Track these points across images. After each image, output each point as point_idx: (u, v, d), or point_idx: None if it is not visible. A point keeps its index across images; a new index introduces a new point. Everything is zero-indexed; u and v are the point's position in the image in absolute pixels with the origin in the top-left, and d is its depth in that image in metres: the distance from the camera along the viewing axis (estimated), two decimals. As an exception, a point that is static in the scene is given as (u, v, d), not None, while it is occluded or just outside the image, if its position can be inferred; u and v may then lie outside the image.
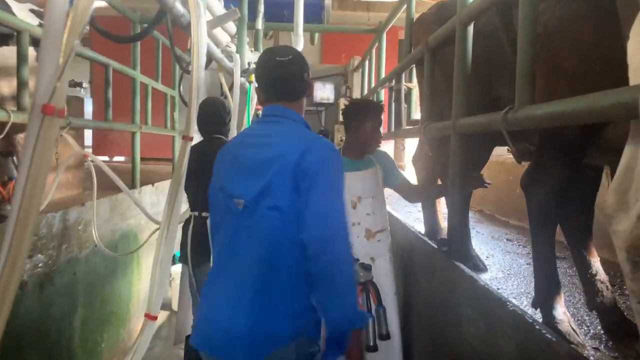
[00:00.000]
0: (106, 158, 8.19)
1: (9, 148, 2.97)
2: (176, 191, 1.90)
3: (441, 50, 2.63)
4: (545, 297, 1.84)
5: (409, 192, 2.85)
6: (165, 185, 4.90)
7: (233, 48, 3.02)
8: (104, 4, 3.76)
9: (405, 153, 6.07)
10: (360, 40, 7.65)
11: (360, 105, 2.91)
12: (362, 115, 2.80)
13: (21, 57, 2.76)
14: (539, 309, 1.88)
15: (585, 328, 1.98)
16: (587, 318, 2.07)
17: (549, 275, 1.86)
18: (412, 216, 4.44)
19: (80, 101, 7.53)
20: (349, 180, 2.79)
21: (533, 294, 1.96)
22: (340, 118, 6.71)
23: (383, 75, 4.57)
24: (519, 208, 3.85)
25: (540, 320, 1.82)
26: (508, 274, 2.80)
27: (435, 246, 2.33)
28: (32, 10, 2.83)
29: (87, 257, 3.29)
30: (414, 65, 3.42)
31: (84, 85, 9.16)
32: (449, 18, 2.29)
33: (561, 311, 1.81)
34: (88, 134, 8.88)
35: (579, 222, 2.01)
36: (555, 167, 1.82)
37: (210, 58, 2.94)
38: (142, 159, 4.62)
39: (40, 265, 2.70)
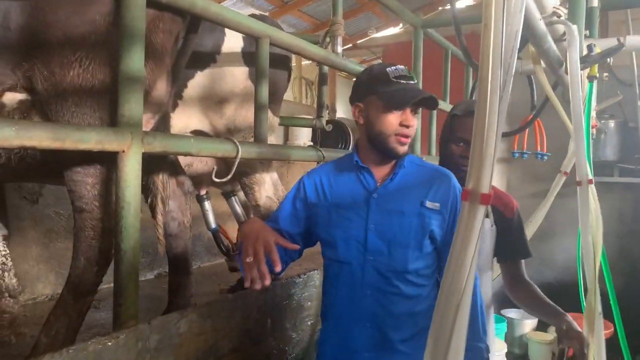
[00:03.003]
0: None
1: (233, 187, 2.39)
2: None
3: None
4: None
5: None
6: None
7: (564, 16, 1.73)
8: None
9: None
10: None
11: None
12: None
13: (260, 72, 2.09)
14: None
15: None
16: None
17: None
18: None
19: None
20: None
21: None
22: None
23: None
24: None
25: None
26: None
27: None
28: (253, 15, 2.16)
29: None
30: None
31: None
32: None
33: None
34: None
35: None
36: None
37: (524, 36, 1.73)
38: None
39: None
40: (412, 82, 1.49)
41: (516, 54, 0.73)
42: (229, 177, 1.94)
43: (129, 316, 1.54)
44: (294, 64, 10.23)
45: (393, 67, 1.50)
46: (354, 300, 1.53)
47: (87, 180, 1.61)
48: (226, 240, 2.63)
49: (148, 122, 1.83)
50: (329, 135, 7.06)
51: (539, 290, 1.91)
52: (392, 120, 1.47)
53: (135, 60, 1.54)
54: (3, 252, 2.35)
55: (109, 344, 1.39)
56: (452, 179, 1.57)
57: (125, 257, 1.53)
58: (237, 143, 1.90)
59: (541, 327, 4.55)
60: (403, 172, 1.55)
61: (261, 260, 1.32)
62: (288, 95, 10.49)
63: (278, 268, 1.33)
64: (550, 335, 4.46)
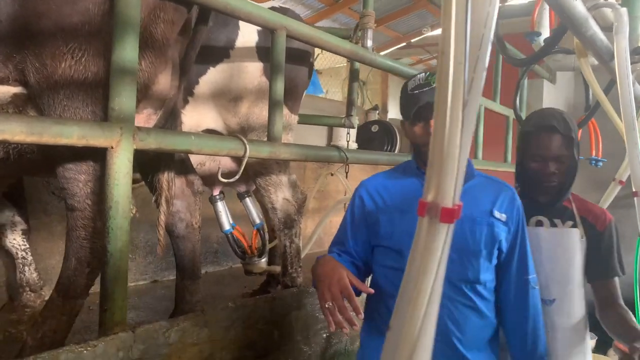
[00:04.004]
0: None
1: (248, 188, 2.26)
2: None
3: None
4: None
5: None
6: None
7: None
8: None
9: None
10: None
11: None
12: None
13: (276, 67, 1.96)
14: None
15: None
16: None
17: None
18: None
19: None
20: None
21: None
22: None
23: None
24: None
25: None
26: None
27: None
28: (273, 8, 2.03)
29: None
30: None
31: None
32: None
33: None
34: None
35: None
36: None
37: (561, 26, 1.50)
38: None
39: None
40: (426, 88, 1.47)
41: (494, 20, 0.55)
42: (237, 177, 1.83)
43: (115, 323, 1.45)
44: (344, 64, 10.07)
45: (412, 80, 1.52)
46: None
47: (79, 177, 1.53)
48: (242, 242, 2.53)
49: (149, 117, 1.74)
50: (375, 136, 6.86)
51: (630, 315, 1.68)
52: (417, 131, 1.50)
53: (128, 51, 1.45)
54: (23, 247, 2.35)
55: (85, 352, 1.30)
56: (515, 194, 1.57)
57: (112, 260, 1.44)
58: (245, 141, 1.78)
59: (600, 349, 4.16)
60: (471, 182, 1.52)
61: (343, 307, 1.28)
62: (338, 95, 10.34)
63: (360, 316, 1.31)
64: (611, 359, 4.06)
